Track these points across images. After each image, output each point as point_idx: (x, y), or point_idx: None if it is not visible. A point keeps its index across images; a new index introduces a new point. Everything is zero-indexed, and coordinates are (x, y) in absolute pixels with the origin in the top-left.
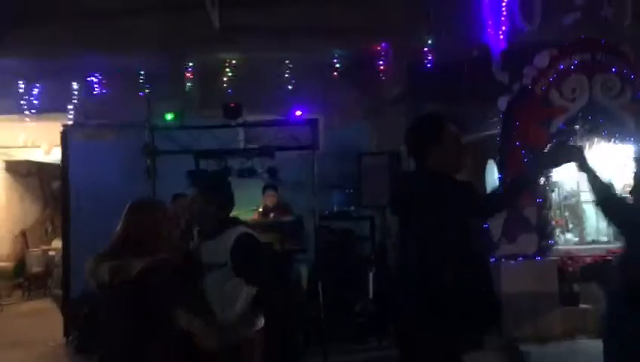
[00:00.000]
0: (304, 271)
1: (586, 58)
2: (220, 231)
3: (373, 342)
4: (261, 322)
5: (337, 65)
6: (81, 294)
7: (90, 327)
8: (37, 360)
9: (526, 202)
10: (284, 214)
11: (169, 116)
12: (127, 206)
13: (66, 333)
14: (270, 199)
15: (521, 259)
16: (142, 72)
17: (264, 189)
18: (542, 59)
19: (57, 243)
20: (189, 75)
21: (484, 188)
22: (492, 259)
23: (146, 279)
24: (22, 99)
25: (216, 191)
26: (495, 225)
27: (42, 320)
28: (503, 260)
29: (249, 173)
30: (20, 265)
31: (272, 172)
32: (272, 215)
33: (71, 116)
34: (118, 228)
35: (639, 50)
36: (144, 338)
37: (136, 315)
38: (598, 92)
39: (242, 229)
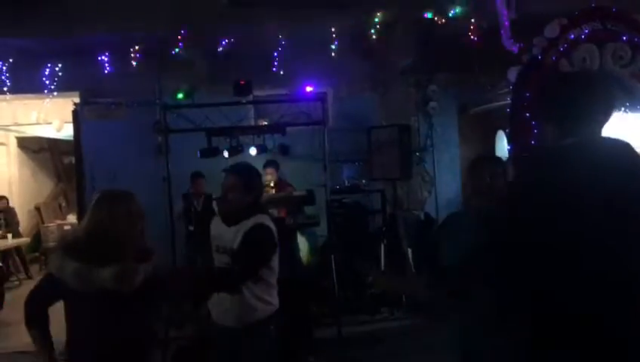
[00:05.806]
0: (304, 243)
1: (596, 27)
2: (245, 217)
3: (385, 313)
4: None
5: (345, 38)
6: None
7: None
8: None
9: None
10: (284, 190)
11: (180, 94)
12: (98, 196)
13: None
14: (270, 176)
15: None
16: (151, 50)
17: (264, 166)
18: (552, 29)
19: (72, 218)
20: (197, 52)
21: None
22: None
23: (144, 288)
24: (38, 79)
25: (252, 181)
26: None
27: None
28: None
29: (260, 149)
30: (36, 239)
31: (283, 148)
32: (272, 191)
33: (83, 94)
34: (85, 220)
35: None
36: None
37: (132, 323)
38: (608, 61)
39: (261, 219)
